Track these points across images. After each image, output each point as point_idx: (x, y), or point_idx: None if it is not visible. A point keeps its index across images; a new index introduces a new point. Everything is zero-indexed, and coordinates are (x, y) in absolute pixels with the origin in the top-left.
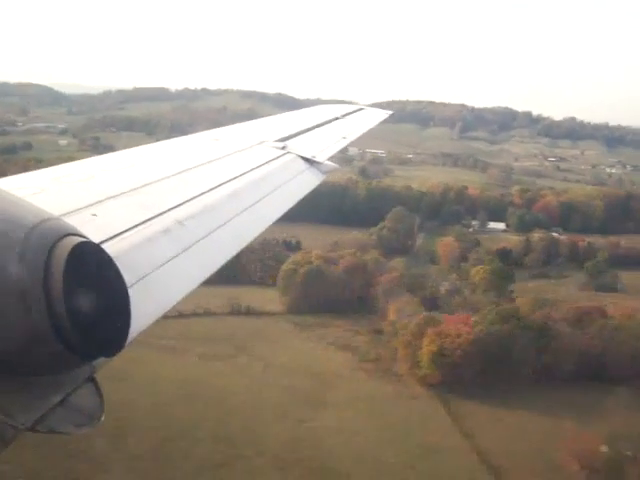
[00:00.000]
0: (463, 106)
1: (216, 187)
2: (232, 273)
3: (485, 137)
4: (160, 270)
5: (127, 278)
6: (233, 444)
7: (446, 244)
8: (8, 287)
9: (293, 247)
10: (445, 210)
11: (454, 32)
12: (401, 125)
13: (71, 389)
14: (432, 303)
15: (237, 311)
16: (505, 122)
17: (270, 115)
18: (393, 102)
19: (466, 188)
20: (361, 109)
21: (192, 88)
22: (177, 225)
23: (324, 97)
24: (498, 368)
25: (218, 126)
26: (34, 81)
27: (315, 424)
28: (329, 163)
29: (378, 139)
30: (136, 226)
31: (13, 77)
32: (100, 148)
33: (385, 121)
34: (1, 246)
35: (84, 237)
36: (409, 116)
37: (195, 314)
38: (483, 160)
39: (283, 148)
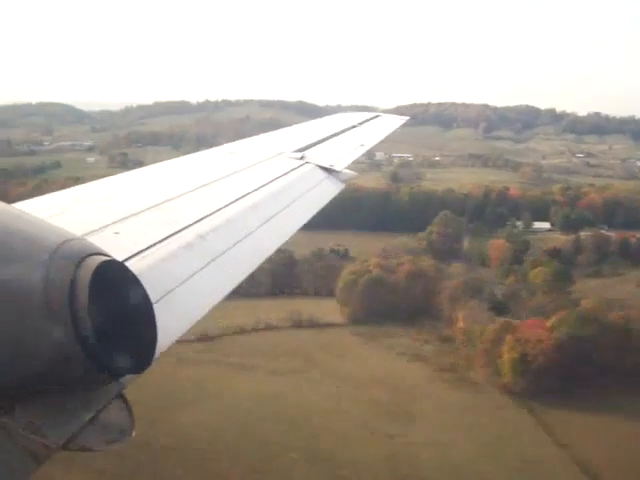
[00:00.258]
0: (486, 106)
1: (236, 200)
2: (285, 285)
3: (510, 136)
4: (184, 285)
5: (152, 295)
6: (330, 464)
7: (497, 246)
8: (34, 308)
9: (341, 255)
10: (488, 212)
11: (472, 32)
12: (425, 127)
13: (101, 406)
14: (499, 308)
15: (298, 324)
16: (528, 120)
17: (292, 123)
18: (415, 105)
19: (507, 189)
20: (378, 116)
21: (212, 100)
22: (199, 240)
23: (345, 103)
24: (582, 373)
25: (243, 136)
26: (55, 100)
27: (407, 439)
28: (348, 171)
29: (404, 143)
30: (158, 242)
31: (35, 97)
32: (129, 164)
33: (408, 124)
34: (26, 268)
35: (108, 256)
36: (432, 118)
37: (256, 329)
38: (513, 160)
39: (301, 158)
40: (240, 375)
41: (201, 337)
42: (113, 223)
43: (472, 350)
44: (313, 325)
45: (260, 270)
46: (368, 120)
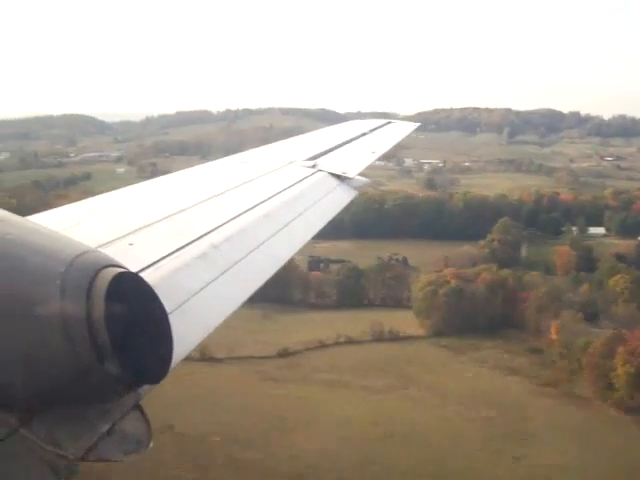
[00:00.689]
0: (508, 110)
1: (248, 210)
2: (352, 296)
3: (534, 140)
4: (198, 295)
5: (167, 305)
6: None
7: (562, 253)
8: (51, 320)
9: (401, 265)
10: (542, 218)
11: (491, 36)
12: (448, 133)
13: (118, 417)
14: (588, 318)
15: (379, 337)
16: (552, 124)
17: (314, 130)
18: (437, 110)
19: (558, 194)
20: (389, 123)
21: (233, 109)
22: (212, 250)
23: (365, 110)
24: None
25: (268, 144)
26: (76, 111)
27: (533, 461)
28: (360, 178)
29: (429, 149)
30: (172, 253)
31: (56, 109)
32: (159, 174)
33: (432, 130)
34: (43, 280)
35: (123, 267)
36: (455, 123)
37: (337, 343)
38: (546, 164)
39: (313, 167)
40: (333, 393)
41: (282, 353)
42: (127, 234)
43: (572, 363)
44: (394, 338)
45: (326, 281)
46: (379, 127)
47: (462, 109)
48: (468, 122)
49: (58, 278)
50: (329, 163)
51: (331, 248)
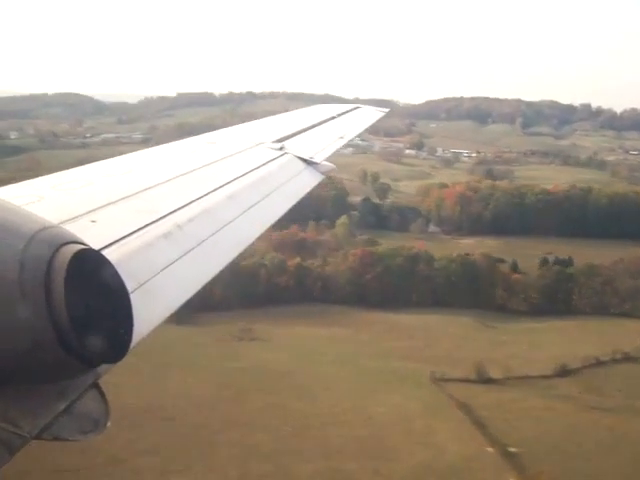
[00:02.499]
0: (519, 101)
1: (214, 190)
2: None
3: (549, 132)
4: (161, 275)
5: (128, 284)
6: None
7: None
8: (9, 296)
9: (567, 265)
10: None
11: (498, 26)
12: (459, 122)
13: (75, 396)
14: None
15: None
16: (564, 116)
17: None
18: (447, 99)
19: None
20: (357, 107)
21: (237, 92)
22: (177, 229)
23: (368, 97)
24: None
25: None
26: (71, 90)
27: None
28: (327, 163)
29: (450, 138)
30: (136, 231)
31: (50, 88)
32: None
33: (442, 119)
34: (1, 255)
35: (84, 244)
36: (466, 113)
37: (615, 360)
38: (596, 158)
39: (281, 149)
40: None
41: (560, 371)
42: (90, 211)
43: None
44: None
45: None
46: (348, 112)
47: (472, 98)
48: (479, 112)
49: (17, 253)
50: (297, 146)
51: (476, 244)
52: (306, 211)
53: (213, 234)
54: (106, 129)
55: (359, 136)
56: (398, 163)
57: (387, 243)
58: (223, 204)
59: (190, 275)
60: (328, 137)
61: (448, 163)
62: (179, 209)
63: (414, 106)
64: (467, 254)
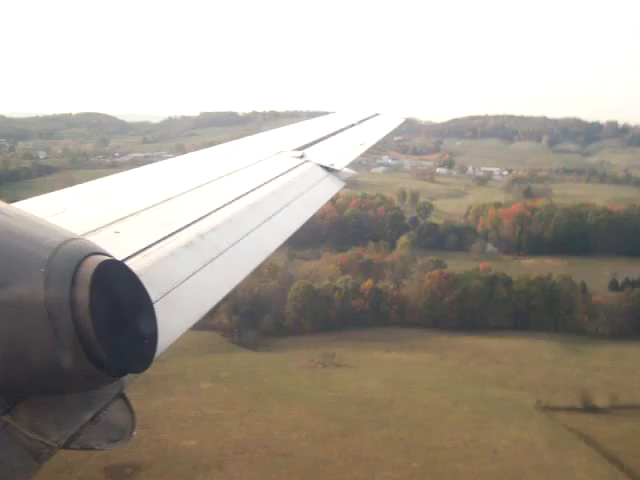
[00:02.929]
0: (545, 119)
1: (236, 199)
2: None
3: (576, 149)
4: (184, 284)
5: (152, 294)
6: None
7: None
8: (35, 308)
9: None
10: None
11: (519, 44)
12: (484, 140)
13: (102, 406)
14: None
15: None
16: (590, 133)
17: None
18: (472, 117)
19: None
20: (376, 115)
21: (260, 111)
22: (199, 239)
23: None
24: None
25: None
26: (94, 110)
27: None
28: (348, 170)
29: (480, 156)
30: (159, 241)
31: (72, 108)
32: None
33: (468, 137)
34: (27, 267)
35: (108, 255)
36: (492, 131)
37: None
38: (636, 175)
39: (301, 157)
40: None
41: None
42: (113, 222)
43: None
44: None
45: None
46: (367, 119)
47: (497, 116)
48: (505, 130)
49: (42, 265)
50: (317, 154)
51: (539, 265)
52: (361, 231)
53: (235, 243)
54: (132, 148)
55: (388, 156)
56: (432, 182)
57: (452, 264)
58: (245, 213)
59: (213, 284)
60: (348, 144)
61: (481, 181)
62: (201, 219)
63: (439, 124)
64: (541, 276)
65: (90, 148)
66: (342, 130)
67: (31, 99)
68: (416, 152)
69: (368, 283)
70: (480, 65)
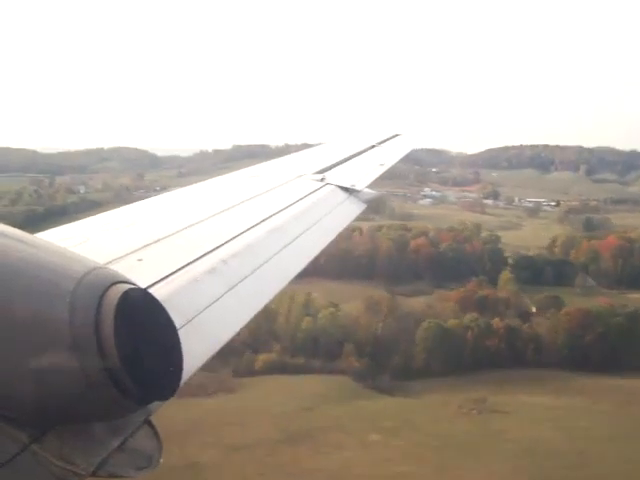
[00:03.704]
0: (581, 148)
1: (258, 224)
2: None
3: (614, 179)
4: (208, 310)
5: (176, 320)
6: None
7: None
8: (61, 337)
9: None
10: None
11: (554, 73)
12: (521, 171)
13: (128, 433)
14: None
15: None
16: (628, 162)
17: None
18: (507, 148)
19: None
20: (396, 135)
21: (292, 143)
22: (222, 264)
23: (425, 147)
24: None
25: None
26: (125, 145)
27: None
28: (369, 191)
29: (520, 187)
30: (182, 268)
31: (104, 142)
32: None
33: (504, 167)
34: (52, 297)
35: (132, 283)
36: (528, 161)
37: None
38: None
39: (322, 180)
40: None
41: None
42: (136, 250)
43: None
44: None
45: None
46: (387, 140)
47: (532, 146)
48: (541, 160)
49: (67, 295)
50: (338, 176)
51: None
52: (458, 265)
53: (257, 268)
54: (168, 182)
55: (429, 188)
56: (482, 213)
57: (567, 300)
58: (266, 238)
59: (236, 310)
60: (369, 165)
61: (532, 212)
62: (223, 244)
63: (473, 155)
64: None
65: (128, 182)
66: (363, 152)
67: (58, 134)
68: (456, 183)
69: (496, 321)
70: (508, 95)
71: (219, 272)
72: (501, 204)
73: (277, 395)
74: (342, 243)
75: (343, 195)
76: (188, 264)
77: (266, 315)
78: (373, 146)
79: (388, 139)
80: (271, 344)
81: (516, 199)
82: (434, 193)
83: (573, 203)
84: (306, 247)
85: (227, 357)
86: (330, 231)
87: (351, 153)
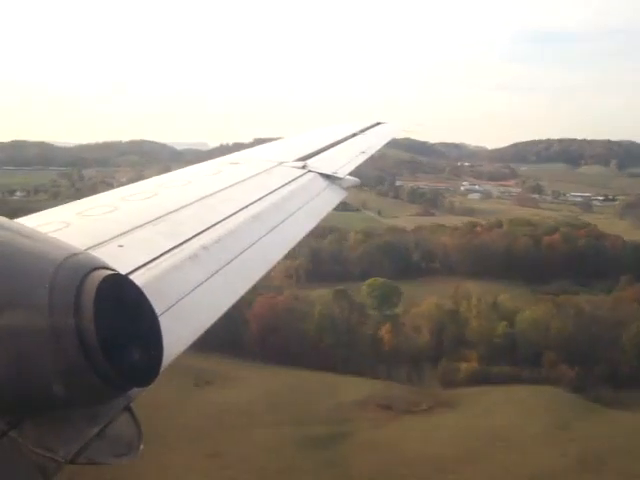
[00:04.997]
0: (609, 142)
1: (239, 211)
2: None
3: None
4: (189, 297)
5: (157, 306)
6: None
7: None
8: (39, 323)
9: None
10: None
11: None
12: (550, 165)
13: (108, 420)
14: None
15: None
16: None
17: (397, 157)
18: (535, 142)
19: None
20: (379, 123)
21: None
22: (203, 251)
23: (444, 140)
24: None
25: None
26: (142, 138)
27: None
28: (350, 178)
29: (557, 181)
30: (163, 254)
31: (123, 136)
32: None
33: (533, 161)
34: (31, 282)
35: (112, 269)
36: (556, 155)
37: None
38: None
39: (303, 167)
40: None
41: None
42: (117, 236)
43: None
44: None
45: None
46: (368, 128)
47: (560, 140)
48: (569, 154)
49: (47, 280)
50: (319, 164)
51: None
52: (599, 263)
53: (239, 255)
54: None
55: (467, 182)
56: (536, 208)
57: None
58: (247, 224)
59: (217, 296)
60: (350, 153)
61: (586, 207)
62: (205, 231)
63: (499, 149)
64: None
65: (154, 175)
66: (345, 139)
67: (72, 127)
68: (491, 178)
69: None
70: (533, 91)
71: (200, 259)
72: (548, 198)
73: (507, 410)
74: (462, 239)
75: (324, 182)
76: (169, 250)
77: (451, 318)
78: (355, 134)
79: (370, 127)
80: (462, 350)
81: (563, 194)
82: (477, 187)
83: (628, 198)
84: (287, 233)
85: (418, 364)
86: (311, 217)
87: (333, 140)
